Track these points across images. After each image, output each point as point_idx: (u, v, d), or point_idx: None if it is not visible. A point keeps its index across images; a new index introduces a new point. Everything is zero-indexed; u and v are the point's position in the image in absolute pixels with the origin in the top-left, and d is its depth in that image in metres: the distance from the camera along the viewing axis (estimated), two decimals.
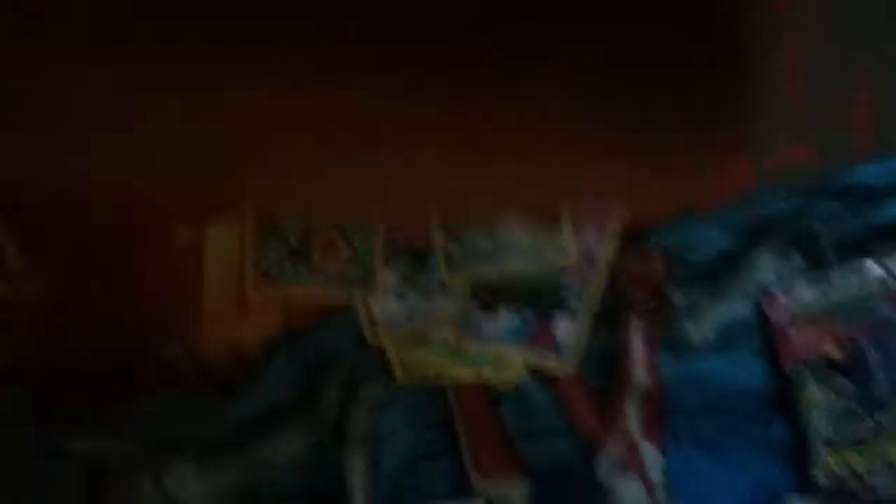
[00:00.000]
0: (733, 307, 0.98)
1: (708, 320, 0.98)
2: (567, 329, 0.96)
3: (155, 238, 0.92)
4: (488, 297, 0.95)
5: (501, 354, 0.96)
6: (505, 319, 0.96)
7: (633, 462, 0.99)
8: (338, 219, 0.91)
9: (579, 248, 0.94)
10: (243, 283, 0.93)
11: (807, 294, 0.97)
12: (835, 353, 0.98)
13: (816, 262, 0.97)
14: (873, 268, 0.96)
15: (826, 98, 0.94)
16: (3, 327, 0.91)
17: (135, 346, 0.93)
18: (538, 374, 0.98)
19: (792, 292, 0.97)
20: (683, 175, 0.90)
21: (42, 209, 0.89)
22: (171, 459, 0.94)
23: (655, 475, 0.99)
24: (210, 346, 0.94)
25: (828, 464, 0.99)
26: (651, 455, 0.99)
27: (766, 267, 0.98)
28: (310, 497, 0.97)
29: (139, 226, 0.92)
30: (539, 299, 0.95)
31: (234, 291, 0.94)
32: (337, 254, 0.92)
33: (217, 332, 0.94)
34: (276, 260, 0.93)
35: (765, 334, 0.98)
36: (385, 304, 0.94)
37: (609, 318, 0.97)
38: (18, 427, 0.92)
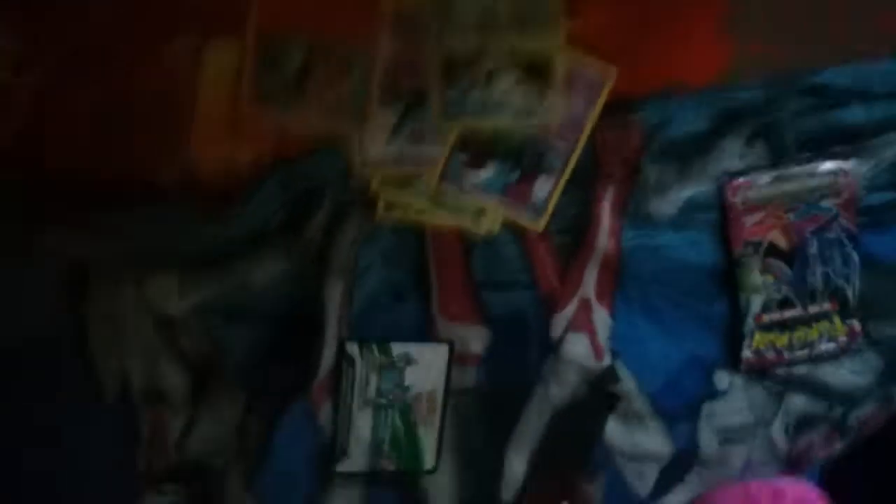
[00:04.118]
0: (697, 188, 1.03)
1: (673, 197, 1.03)
2: (544, 188, 1.00)
3: (155, 44, 0.90)
4: (476, 149, 0.98)
5: (480, 205, 1.00)
6: (488, 172, 0.99)
7: (584, 322, 1.06)
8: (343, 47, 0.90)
9: (568, 112, 0.97)
10: (239, 103, 0.92)
11: (764, 183, 1.03)
12: (781, 240, 1.06)
13: (778, 153, 1.03)
14: (827, 166, 1.03)
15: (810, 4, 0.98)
16: None
17: (125, 158, 0.92)
18: (511, 228, 1.02)
19: (752, 180, 1.03)
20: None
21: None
22: (155, 271, 0.95)
23: (603, 336, 1.06)
24: (201, 164, 0.94)
25: (755, 342, 1.07)
26: (602, 317, 1.06)
27: (732, 153, 1.02)
28: (285, 319, 1.00)
29: (141, 30, 0.89)
30: (523, 156, 0.99)
31: (229, 110, 0.93)
32: (336, 85, 0.92)
33: (208, 150, 0.93)
34: (275, 83, 0.92)
35: (722, 216, 1.04)
36: (376, 142, 0.96)
37: (583, 183, 1.01)
38: None
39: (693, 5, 0.96)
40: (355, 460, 1.05)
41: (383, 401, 1.04)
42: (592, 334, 1.06)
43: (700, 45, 0.98)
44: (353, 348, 1.01)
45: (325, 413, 1.04)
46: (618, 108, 0.99)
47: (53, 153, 0.91)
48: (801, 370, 1.10)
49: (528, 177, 0.99)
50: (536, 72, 0.94)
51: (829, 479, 1.16)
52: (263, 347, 1.01)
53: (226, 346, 1.00)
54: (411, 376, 1.03)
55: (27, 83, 0.86)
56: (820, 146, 1.02)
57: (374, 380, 1.03)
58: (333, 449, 1.04)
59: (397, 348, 1.02)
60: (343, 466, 1.05)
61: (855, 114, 1.02)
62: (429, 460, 1.06)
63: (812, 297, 1.07)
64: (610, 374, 1.07)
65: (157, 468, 1.02)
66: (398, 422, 1.04)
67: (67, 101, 0.90)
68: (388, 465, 1.06)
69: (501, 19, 0.92)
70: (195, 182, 0.93)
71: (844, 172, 1.03)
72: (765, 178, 1.02)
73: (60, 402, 0.96)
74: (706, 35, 0.98)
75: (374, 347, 1.02)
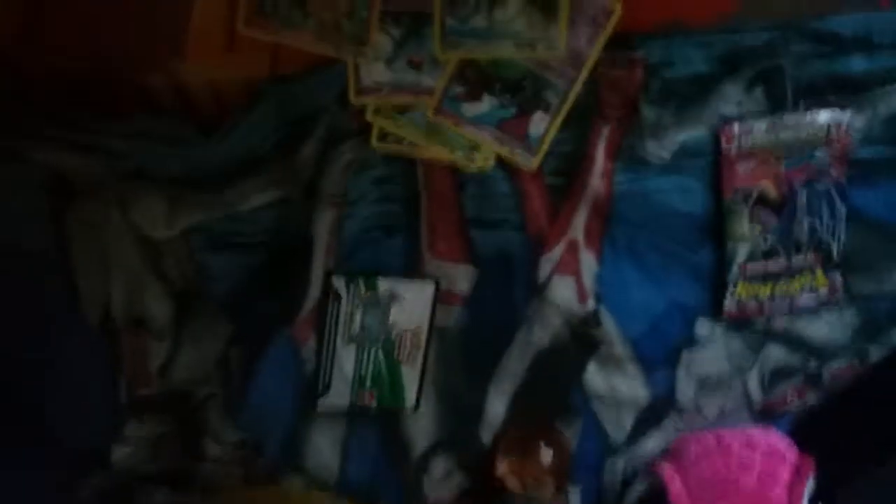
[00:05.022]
0: (693, 132, 1.02)
1: (668, 141, 1.01)
2: (540, 126, 0.97)
3: None
4: (474, 81, 0.95)
5: (474, 138, 0.97)
6: (485, 105, 0.96)
7: (571, 265, 1.04)
8: None
9: (570, 46, 0.94)
10: (237, 15, 0.88)
11: (760, 130, 1.01)
12: (771, 190, 1.05)
13: (776, 100, 1.01)
14: (824, 116, 1.02)
15: None
16: None
17: (117, 64, 0.87)
18: (504, 165, 1.00)
19: (748, 127, 1.01)
20: None
21: None
22: (140, 190, 0.91)
23: (588, 280, 1.05)
24: (193, 79, 0.90)
25: (738, 292, 1.07)
26: (588, 261, 1.05)
27: (731, 98, 1.01)
28: (272, 248, 0.97)
29: None
30: (521, 91, 0.96)
31: (227, 22, 0.89)
32: (335, 3, 0.88)
33: (202, 63, 0.89)
34: None
35: (714, 162, 1.03)
36: (373, 67, 0.92)
37: (579, 121, 0.99)
38: None
39: None
40: (338, 395, 1.03)
41: (367, 337, 1.01)
42: (578, 278, 1.05)
43: None
44: (339, 282, 0.99)
45: (308, 347, 1.01)
46: (619, 45, 0.96)
47: (48, 56, 0.86)
48: (780, 323, 1.09)
49: (525, 113, 0.97)
50: (540, 2, 0.91)
51: (799, 430, 1.17)
52: (249, 276, 0.98)
53: (210, 274, 0.97)
54: (396, 313, 1.02)
55: None
56: (819, 94, 1.00)
57: (358, 315, 1.01)
58: (316, 383, 1.02)
59: (383, 284, 1.00)
60: (325, 401, 1.03)
61: (857, 63, 1.00)
62: (410, 398, 1.04)
63: (797, 249, 1.06)
64: (593, 319, 1.06)
65: (139, 397, 0.99)
66: (381, 358, 1.03)
67: (64, 4, 0.84)
68: (370, 402, 1.04)
69: None
70: (188, 95, 0.89)
71: (839, 123, 1.01)
72: (761, 125, 1.01)
73: (41, 323, 0.92)
74: None
75: (361, 282, 1.00)
